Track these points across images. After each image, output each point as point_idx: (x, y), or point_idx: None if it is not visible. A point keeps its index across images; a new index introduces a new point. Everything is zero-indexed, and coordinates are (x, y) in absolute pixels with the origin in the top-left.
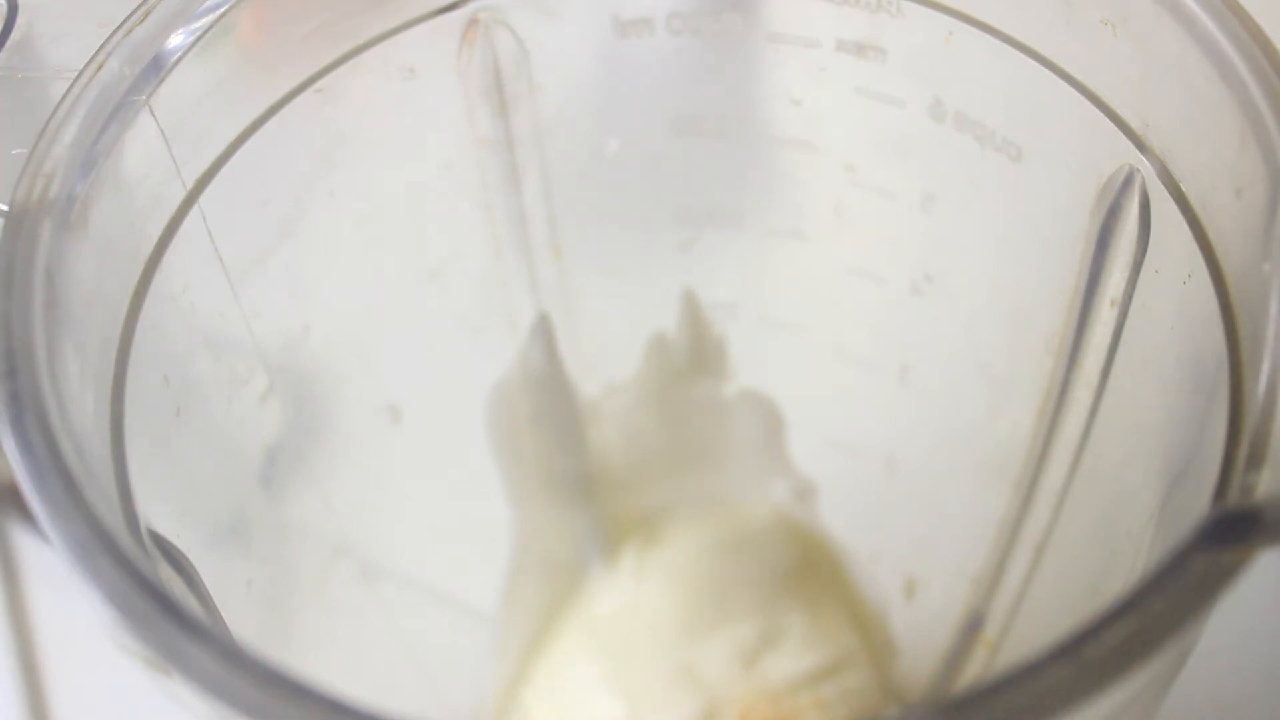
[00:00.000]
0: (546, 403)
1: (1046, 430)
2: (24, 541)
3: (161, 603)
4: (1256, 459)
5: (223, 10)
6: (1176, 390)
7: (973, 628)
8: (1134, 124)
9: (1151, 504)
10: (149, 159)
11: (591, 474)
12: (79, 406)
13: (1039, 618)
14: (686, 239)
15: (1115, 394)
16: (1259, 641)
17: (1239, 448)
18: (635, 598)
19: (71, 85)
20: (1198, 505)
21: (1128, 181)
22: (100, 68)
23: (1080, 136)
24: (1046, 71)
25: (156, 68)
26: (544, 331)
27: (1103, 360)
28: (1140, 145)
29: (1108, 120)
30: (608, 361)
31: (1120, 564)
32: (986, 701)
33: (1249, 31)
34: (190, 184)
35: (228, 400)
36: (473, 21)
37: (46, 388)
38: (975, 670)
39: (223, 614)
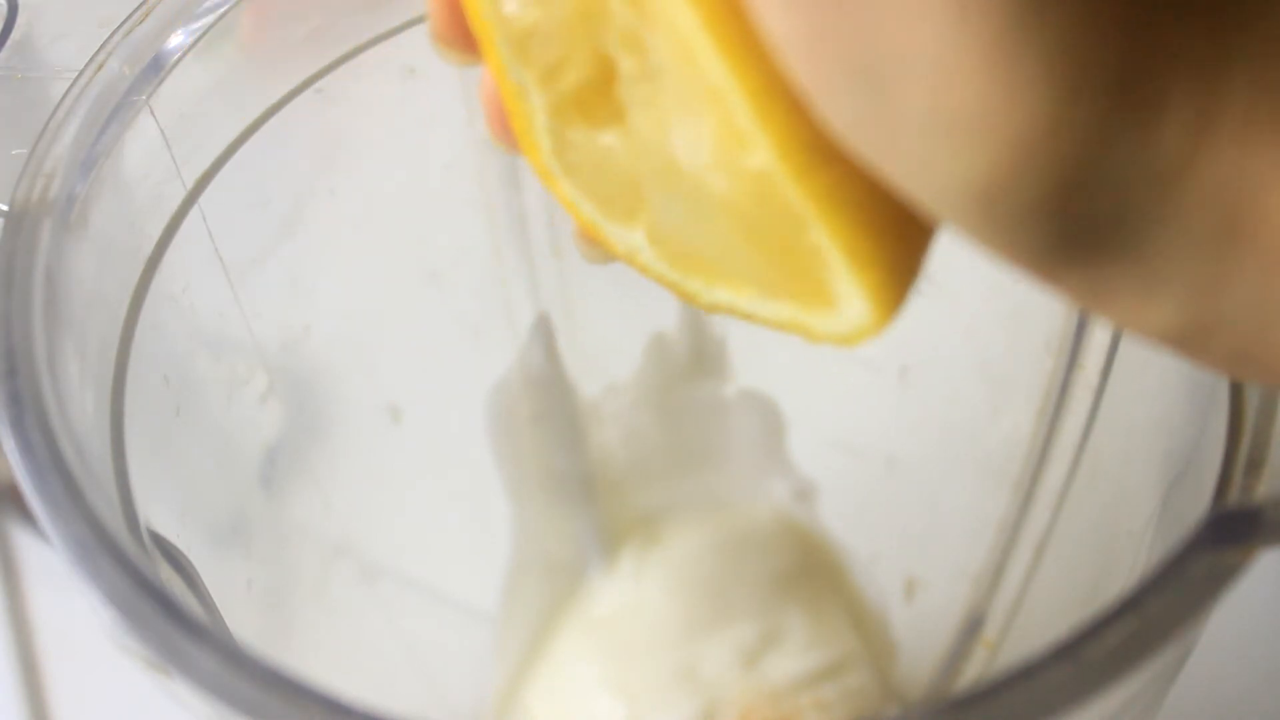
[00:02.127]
0: (546, 403)
1: (1046, 430)
2: (24, 541)
3: (161, 603)
4: (1256, 459)
5: (223, 10)
6: (1176, 390)
7: (973, 628)
8: None
9: (1151, 504)
10: (149, 159)
11: (591, 474)
12: (79, 406)
13: (1039, 618)
14: None
15: (1115, 394)
16: (1259, 641)
17: (1239, 448)
18: (635, 598)
19: (71, 85)
20: (1198, 505)
21: None
22: (100, 68)
23: None
24: None
25: (156, 68)
26: (544, 331)
27: (1103, 360)
28: None
29: None
30: (608, 361)
31: (1120, 564)
32: (986, 701)
33: None
34: (190, 184)
35: (228, 400)
36: None
37: (46, 388)
38: (975, 670)
39: (223, 614)
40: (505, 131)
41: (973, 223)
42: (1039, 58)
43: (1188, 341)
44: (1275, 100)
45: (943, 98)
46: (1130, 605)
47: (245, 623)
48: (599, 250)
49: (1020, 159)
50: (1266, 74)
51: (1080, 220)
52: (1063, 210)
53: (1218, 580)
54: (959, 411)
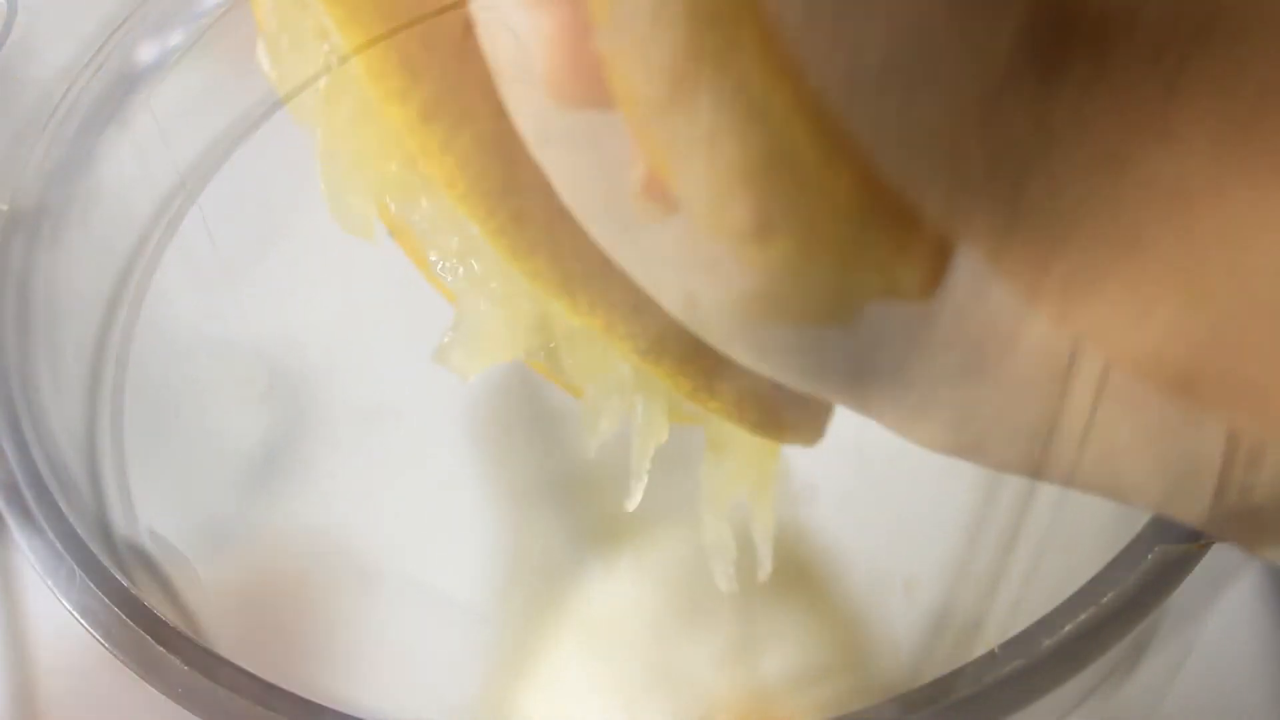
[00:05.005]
0: (533, 405)
1: None
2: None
3: (133, 611)
4: None
5: (220, 12)
6: None
7: (968, 627)
8: None
9: None
10: (145, 160)
11: (579, 476)
12: (53, 415)
13: (1013, 611)
14: None
15: None
16: (1256, 640)
17: None
18: (627, 599)
19: (69, 87)
20: None
21: None
22: (97, 69)
23: None
24: None
25: (153, 70)
26: None
27: None
28: None
29: None
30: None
31: (1089, 556)
32: (946, 692)
33: None
34: (169, 193)
35: (208, 407)
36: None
37: (19, 397)
38: (972, 670)
39: (205, 619)
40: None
41: (737, 357)
42: (778, 212)
43: (964, 456)
44: (1021, 236)
45: (686, 244)
46: (1083, 598)
47: (236, 625)
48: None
49: (760, 308)
50: (1010, 215)
51: (827, 362)
52: (810, 352)
53: (1171, 573)
54: None
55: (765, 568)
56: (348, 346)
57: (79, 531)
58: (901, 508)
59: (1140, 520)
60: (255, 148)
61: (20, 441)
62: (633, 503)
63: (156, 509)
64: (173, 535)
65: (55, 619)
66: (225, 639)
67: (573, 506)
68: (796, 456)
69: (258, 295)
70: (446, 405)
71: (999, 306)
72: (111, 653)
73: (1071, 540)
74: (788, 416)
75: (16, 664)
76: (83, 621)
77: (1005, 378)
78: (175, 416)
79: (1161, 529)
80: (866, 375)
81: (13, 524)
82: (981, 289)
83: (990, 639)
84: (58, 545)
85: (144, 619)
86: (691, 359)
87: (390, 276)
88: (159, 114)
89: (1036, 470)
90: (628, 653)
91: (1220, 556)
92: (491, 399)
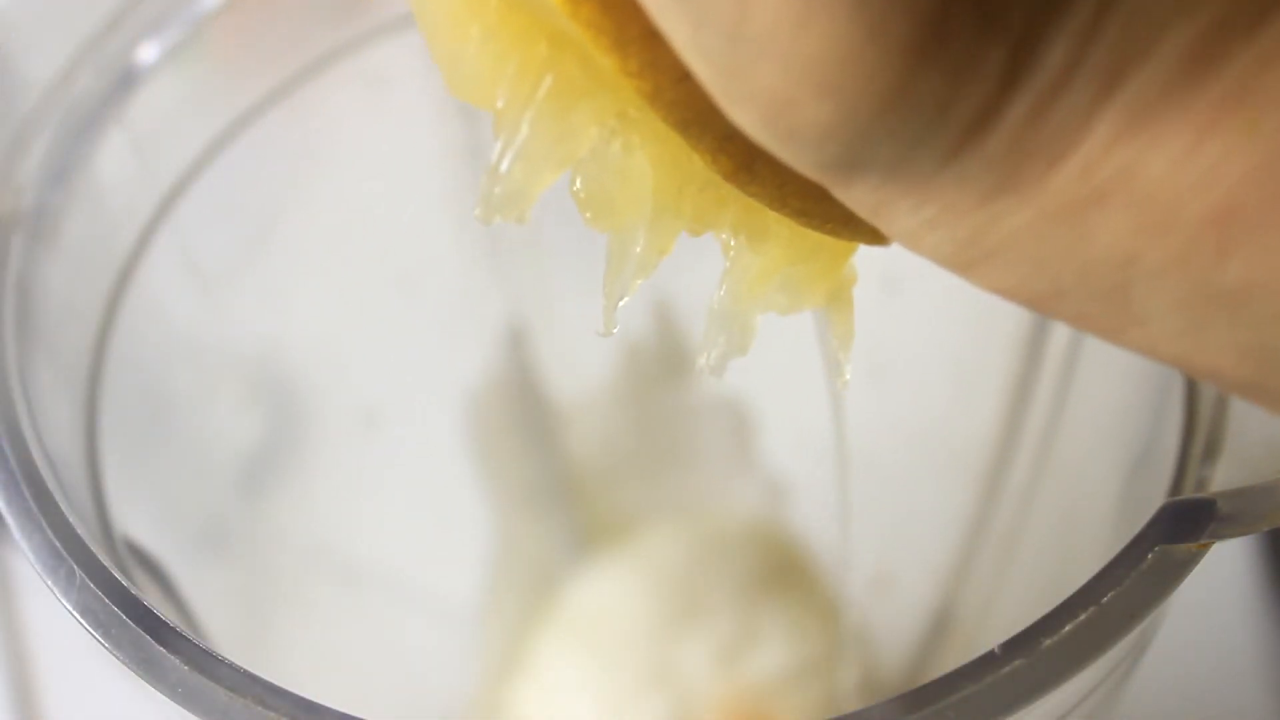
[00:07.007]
0: (522, 408)
1: (1013, 425)
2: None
3: (132, 610)
4: (1212, 452)
5: (195, 21)
6: (1136, 384)
7: (948, 623)
8: None
9: (1116, 496)
10: (122, 170)
11: (569, 478)
12: (52, 417)
13: (1013, 611)
14: None
15: (1078, 389)
16: (1216, 639)
17: (1194, 438)
18: (614, 599)
19: (43, 97)
20: (1160, 497)
21: None
22: (72, 79)
23: None
24: None
25: (128, 79)
26: (519, 338)
27: (1065, 356)
28: None
29: None
30: (582, 366)
31: (1089, 556)
32: (946, 692)
33: None
34: (165, 194)
35: (205, 408)
36: None
37: (18, 397)
38: (952, 666)
39: (202, 619)
40: None
41: (760, 134)
42: None
43: (961, 273)
44: (1088, 70)
45: (749, 11)
46: (1083, 598)
47: (225, 629)
48: None
49: (810, 86)
50: (1085, 45)
51: (863, 154)
52: (847, 141)
53: (1171, 572)
54: (928, 408)
55: (844, 376)
56: (326, 354)
57: (79, 531)
58: (898, 507)
59: (1140, 520)
60: (231, 158)
61: (20, 441)
62: (608, 329)
63: (156, 509)
64: (172, 535)
65: (55, 619)
66: (225, 639)
67: (565, 508)
68: (795, 457)
69: (235, 304)
70: (440, 408)
71: (1057, 125)
72: (111, 653)
73: (1071, 540)
74: (835, 208)
75: (16, 664)
76: (83, 621)
77: (1037, 199)
78: (174, 417)
79: (1162, 529)
80: (896, 181)
81: (13, 524)
82: (1044, 105)
83: (989, 639)
84: (58, 545)
85: (144, 619)
86: (734, 137)
87: (368, 284)
88: (132, 125)
89: (1033, 297)
90: (620, 652)
91: (1220, 556)
92: (484, 402)
